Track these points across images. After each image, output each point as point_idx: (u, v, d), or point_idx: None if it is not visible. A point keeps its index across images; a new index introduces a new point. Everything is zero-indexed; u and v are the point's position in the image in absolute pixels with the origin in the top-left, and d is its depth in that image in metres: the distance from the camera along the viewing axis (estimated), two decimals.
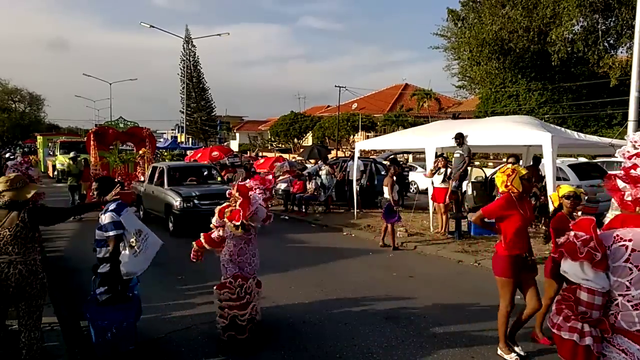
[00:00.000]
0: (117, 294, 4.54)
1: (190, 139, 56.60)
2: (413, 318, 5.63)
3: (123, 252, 4.41)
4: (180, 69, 56.21)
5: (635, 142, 2.98)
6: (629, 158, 2.92)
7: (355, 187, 13.43)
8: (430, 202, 10.89)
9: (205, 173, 13.63)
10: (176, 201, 10.73)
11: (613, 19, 23.77)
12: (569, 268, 3.08)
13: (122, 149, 20.62)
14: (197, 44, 60.11)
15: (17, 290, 3.65)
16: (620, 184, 2.84)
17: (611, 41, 24.67)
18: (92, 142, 16.32)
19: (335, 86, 54.07)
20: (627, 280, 2.85)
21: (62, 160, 24.19)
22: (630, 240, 2.82)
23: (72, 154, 15.12)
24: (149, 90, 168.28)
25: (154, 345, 4.94)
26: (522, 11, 23.80)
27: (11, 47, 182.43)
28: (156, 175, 12.44)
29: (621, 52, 24.76)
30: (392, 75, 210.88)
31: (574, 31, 23.44)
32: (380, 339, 5.01)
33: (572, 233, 3.07)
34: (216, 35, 42.35)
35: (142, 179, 14.58)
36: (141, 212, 12.81)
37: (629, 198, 2.81)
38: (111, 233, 4.38)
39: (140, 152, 16.64)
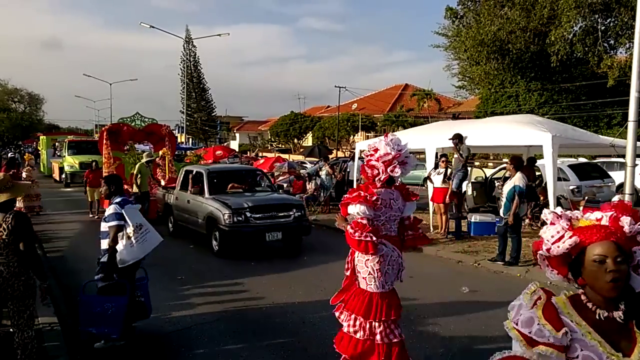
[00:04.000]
0: (113, 283, 4.61)
1: (190, 139, 56.67)
2: (413, 318, 5.63)
3: (120, 241, 4.56)
4: (181, 69, 56.35)
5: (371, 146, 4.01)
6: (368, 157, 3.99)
7: (355, 187, 13.41)
8: (430, 202, 10.89)
9: (249, 179, 11.14)
10: (224, 214, 8.60)
11: (612, 20, 23.78)
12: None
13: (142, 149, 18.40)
14: (197, 44, 60.26)
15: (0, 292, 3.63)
16: (367, 170, 3.94)
17: (611, 41, 24.69)
18: (105, 141, 14.06)
19: (335, 86, 54.13)
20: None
21: (71, 162, 22.85)
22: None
23: (145, 157, 12.45)
24: (149, 90, 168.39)
25: (154, 345, 4.94)
26: (520, 11, 23.82)
27: (11, 47, 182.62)
28: (191, 180, 10.16)
29: (620, 53, 24.81)
30: (392, 76, 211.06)
31: (573, 32, 23.45)
32: None
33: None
34: (216, 36, 42.43)
35: (163, 183, 13.02)
36: (170, 225, 11.01)
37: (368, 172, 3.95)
38: (112, 223, 4.52)
39: (160, 152, 14.49)
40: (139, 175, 11.83)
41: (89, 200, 13.67)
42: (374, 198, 3.79)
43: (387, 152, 3.84)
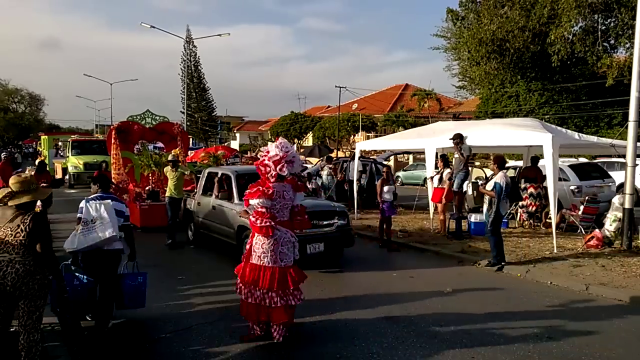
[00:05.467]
0: (78, 265, 5.19)
1: (190, 139, 56.58)
2: (413, 318, 5.63)
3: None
4: (181, 69, 56.23)
5: (268, 152, 4.92)
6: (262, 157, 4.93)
7: (355, 187, 13.42)
8: (431, 202, 10.90)
9: None
10: None
11: (613, 20, 23.77)
12: None
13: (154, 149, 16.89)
14: (197, 44, 60.19)
15: (14, 290, 3.66)
16: (261, 168, 4.89)
17: (611, 41, 24.67)
18: (114, 141, 13.01)
19: (336, 86, 54.11)
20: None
21: (74, 162, 22.18)
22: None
23: (171, 157, 11.08)
24: (149, 90, 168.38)
25: (154, 346, 4.94)
26: (520, 11, 23.81)
27: (11, 47, 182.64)
28: (216, 184, 9.11)
29: (621, 53, 24.79)
30: (393, 76, 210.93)
31: (573, 32, 23.44)
32: (380, 339, 5.01)
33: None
34: (217, 36, 42.31)
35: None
36: (190, 234, 10.15)
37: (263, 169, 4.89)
38: (77, 215, 5.15)
39: (173, 152, 12.77)
40: (175, 179, 10.00)
41: None
42: (270, 191, 4.77)
43: (276, 153, 4.83)
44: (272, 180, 4.85)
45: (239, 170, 9.39)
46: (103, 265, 5.02)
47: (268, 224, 4.68)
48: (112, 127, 14.57)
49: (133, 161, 13.20)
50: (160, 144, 17.08)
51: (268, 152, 4.92)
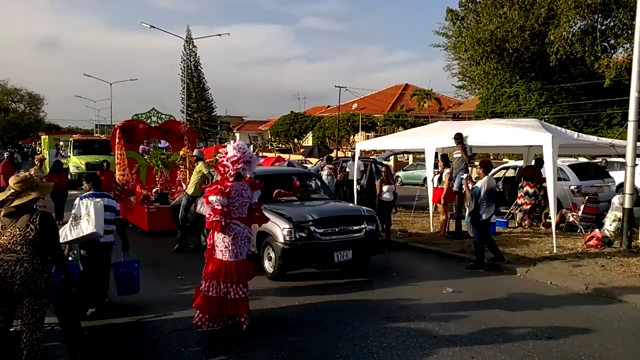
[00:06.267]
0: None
1: None
2: (413, 318, 5.63)
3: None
4: (181, 69, 56.31)
5: (226, 153, 5.26)
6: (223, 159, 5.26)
7: (355, 187, 13.41)
8: (431, 202, 10.90)
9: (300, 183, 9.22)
10: (283, 229, 6.97)
11: (612, 20, 23.79)
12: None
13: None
14: (197, 44, 60.26)
15: (22, 288, 3.67)
16: (220, 169, 5.28)
17: (611, 41, 24.69)
18: (118, 141, 12.47)
19: (336, 86, 54.18)
20: None
21: (77, 163, 21.81)
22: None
23: (197, 152, 10.50)
24: (149, 90, 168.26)
25: (154, 345, 4.94)
26: (519, 11, 23.83)
27: (11, 47, 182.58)
28: None
29: (620, 53, 24.80)
30: (392, 76, 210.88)
31: (572, 32, 23.46)
32: (380, 339, 5.01)
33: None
34: (217, 36, 42.39)
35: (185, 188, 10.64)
36: (203, 239, 8.46)
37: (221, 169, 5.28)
38: (72, 212, 5.53)
39: (181, 152, 12.39)
40: (201, 178, 9.46)
41: None
42: (228, 190, 5.09)
43: (234, 154, 5.16)
44: (230, 179, 5.17)
45: (257, 172, 8.42)
46: (98, 254, 5.71)
47: (217, 219, 4.99)
48: (116, 126, 13.85)
49: (139, 162, 12.56)
50: (162, 144, 16.47)
51: (226, 153, 5.26)
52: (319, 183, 9.58)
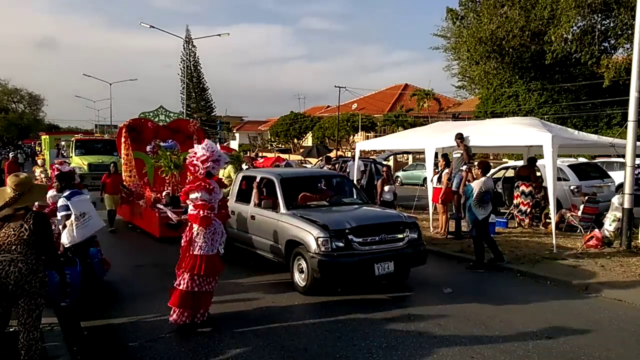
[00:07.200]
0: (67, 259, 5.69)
1: None
2: (413, 318, 5.63)
3: (68, 227, 5.65)
4: (181, 69, 56.35)
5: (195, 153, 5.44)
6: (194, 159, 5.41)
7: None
8: (431, 202, 10.90)
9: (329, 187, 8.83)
10: (317, 238, 6.23)
11: (612, 20, 23.80)
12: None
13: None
14: (197, 44, 60.29)
15: (16, 288, 3.67)
16: (190, 168, 5.45)
17: (611, 41, 24.71)
18: (124, 140, 11.93)
19: (335, 86, 54.09)
20: None
21: (78, 163, 20.84)
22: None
23: (224, 146, 9.52)
24: (149, 90, 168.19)
25: (154, 345, 4.94)
26: (520, 11, 23.85)
27: (11, 47, 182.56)
28: (255, 190, 7.69)
29: (621, 53, 24.82)
30: (392, 76, 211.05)
31: (572, 32, 23.47)
32: (380, 339, 5.01)
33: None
34: (216, 36, 42.44)
35: None
36: (221, 248, 6.94)
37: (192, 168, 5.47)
38: (62, 213, 5.63)
39: (190, 152, 12.13)
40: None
41: (107, 208, 11.06)
42: (211, 186, 5.30)
43: (203, 153, 5.37)
44: (200, 178, 5.39)
45: (283, 174, 7.92)
46: (89, 248, 5.98)
47: (207, 214, 5.18)
48: (122, 125, 13.12)
49: (146, 162, 11.94)
50: (166, 143, 16.09)
51: (195, 152, 5.45)
52: (350, 185, 9.00)
